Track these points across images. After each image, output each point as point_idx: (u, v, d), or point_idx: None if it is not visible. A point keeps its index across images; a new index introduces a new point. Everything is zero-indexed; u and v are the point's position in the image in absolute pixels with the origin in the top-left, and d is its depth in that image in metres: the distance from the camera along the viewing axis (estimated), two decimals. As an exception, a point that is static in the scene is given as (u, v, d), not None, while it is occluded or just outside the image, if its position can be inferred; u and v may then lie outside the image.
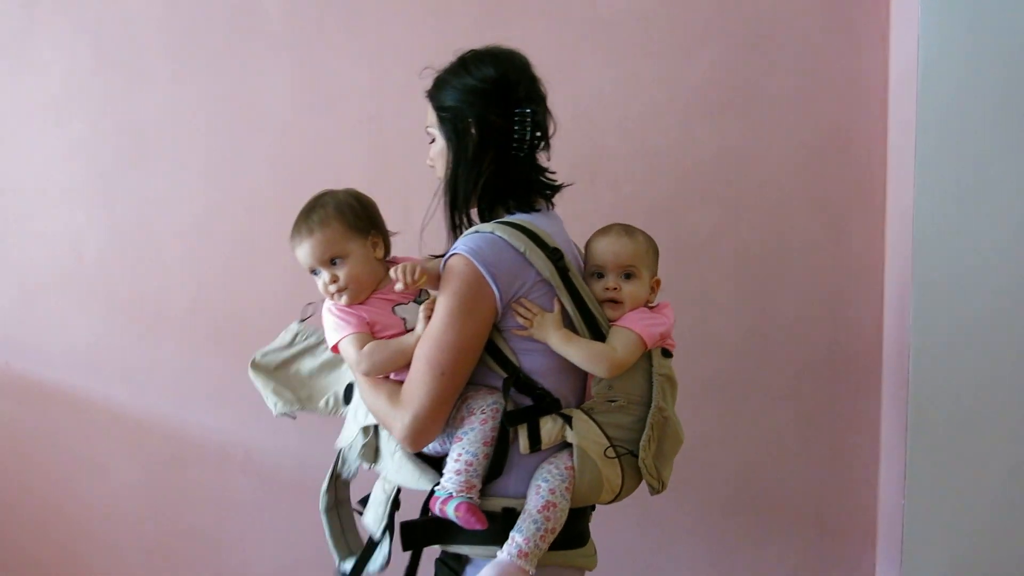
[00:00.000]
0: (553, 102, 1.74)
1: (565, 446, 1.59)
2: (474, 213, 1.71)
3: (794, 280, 2.49)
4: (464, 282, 1.55)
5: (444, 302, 1.56)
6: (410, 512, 1.66)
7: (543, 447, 1.57)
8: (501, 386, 1.59)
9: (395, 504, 1.71)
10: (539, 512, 1.53)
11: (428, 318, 1.58)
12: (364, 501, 1.82)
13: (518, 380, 1.59)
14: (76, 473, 2.75)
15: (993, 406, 2.21)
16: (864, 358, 2.50)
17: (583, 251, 1.74)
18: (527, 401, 1.59)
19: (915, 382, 2.23)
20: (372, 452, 1.71)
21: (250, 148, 2.62)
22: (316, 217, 1.64)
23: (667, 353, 1.67)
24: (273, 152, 2.61)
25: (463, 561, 1.62)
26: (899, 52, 2.33)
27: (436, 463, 1.64)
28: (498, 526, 1.55)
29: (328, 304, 1.67)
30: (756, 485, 2.57)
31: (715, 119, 2.47)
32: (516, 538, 1.52)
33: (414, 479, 1.64)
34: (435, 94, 1.72)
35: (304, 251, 1.64)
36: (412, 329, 1.62)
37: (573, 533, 1.61)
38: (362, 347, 1.60)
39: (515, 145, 1.66)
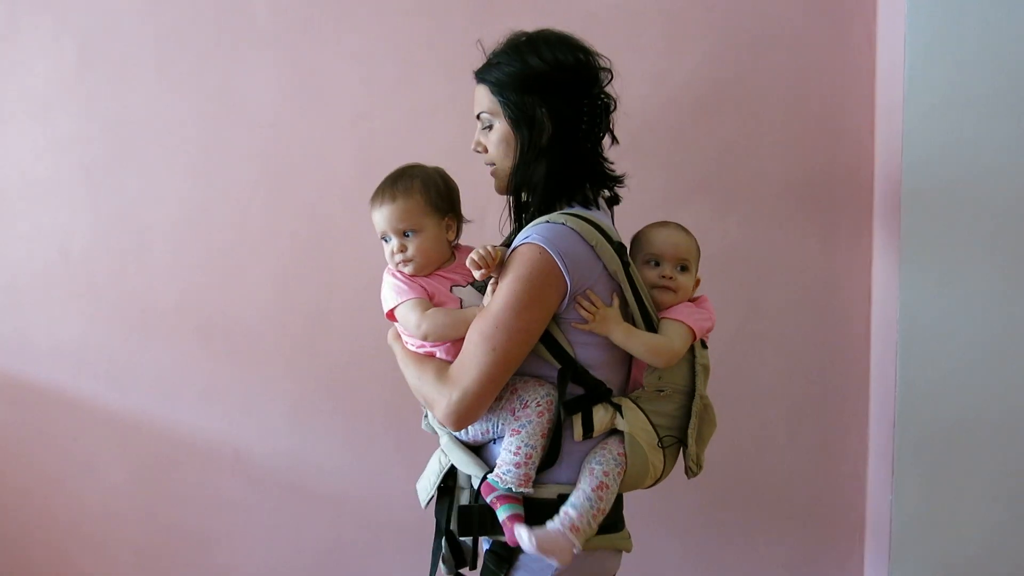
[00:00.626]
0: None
1: (612, 433, 1.63)
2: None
3: (783, 277, 2.50)
4: (537, 270, 1.53)
5: (511, 286, 1.54)
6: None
7: (595, 434, 1.60)
8: (556, 377, 1.59)
9: (446, 478, 1.71)
10: (593, 491, 1.57)
11: None
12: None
13: (574, 372, 1.59)
14: (63, 472, 2.74)
15: (980, 403, 2.23)
16: (852, 354, 2.51)
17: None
18: (578, 390, 1.60)
19: (903, 378, 2.24)
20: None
21: (237, 146, 2.60)
22: (401, 185, 1.65)
23: (703, 344, 1.75)
24: (261, 150, 2.60)
25: (515, 549, 1.60)
26: (886, 49, 2.34)
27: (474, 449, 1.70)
28: (554, 512, 1.57)
29: (390, 270, 1.68)
30: (745, 481, 2.58)
31: (704, 116, 2.48)
32: (570, 512, 1.55)
33: (462, 463, 1.66)
34: (497, 79, 1.66)
35: (381, 215, 1.64)
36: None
37: (616, 518, 1.68)
38: (424, 312, 1.60)
39: (585, 134, 1.65)
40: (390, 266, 1.68)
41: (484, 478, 1.59)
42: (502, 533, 1.58)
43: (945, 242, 2.20)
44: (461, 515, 1.63)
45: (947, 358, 2.23)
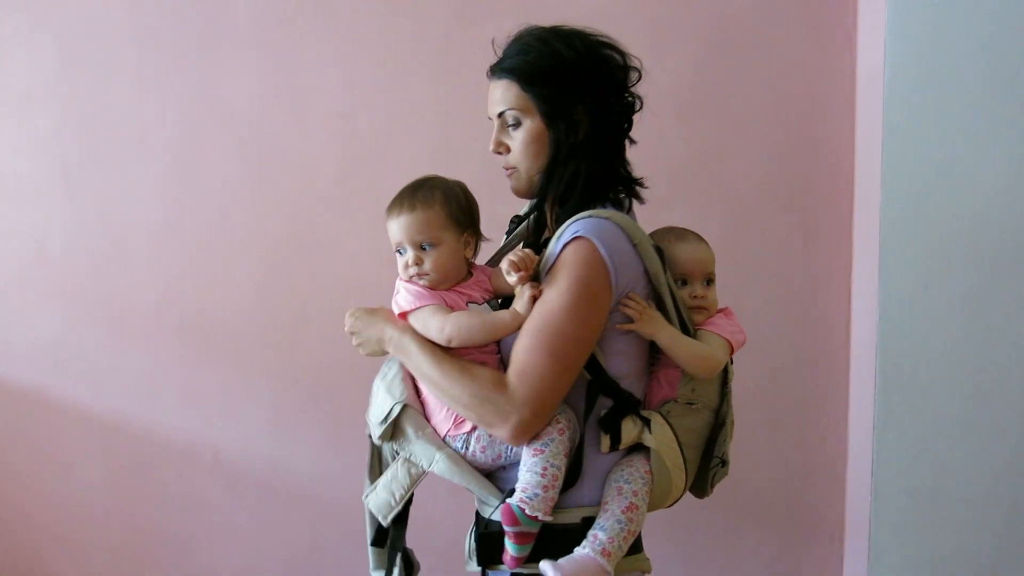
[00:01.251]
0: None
1: (637, 449, 1.51)
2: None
3: (763, 281, 2.51)
4: (591, 269, 1.41)
5: (568, 289, 1.40)
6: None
7: (621, 447, 1.48)
8: (586, 388, 1.46)
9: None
10: (623, 513, 1.44)
11: (534, 299, 1.43)
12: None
13: (606, 383, 1.47)
14: (40, 473, 2.71)
15: (959, 404, 2.24)
16: (832, 357, 2.52)
17: None
18: (608, 402, 1.48)
19: (882, 380, 2.25)
20: (391, 430, 1.52)
21: (218, 146, 2.59)
22: (421, 196, 1.52)
23: (730, 359, 1.65)
24: (242, 150, 2.59)
25: None
26: (866, 55, 2.36)
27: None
28: (579, 537, 1.44)
29: (404, 281, 1.55)
30: (725, 483, 2.56)
31: (684, 119, 2.49)
32: (600, 536, 1.43)
33: (479, 486, 1.50)
34: (527, 71, 1.52)
35: (398, 225, 1.52)
36: None
37: (636, 537, 1.54)
38: (447, 314, 1.48)
39: (615, 132, 1.57)
40: (403, 277, 1.55)
41: (502, 503, 1.44)
42: (530, 560, 1.43)
43: (924, 244, 2.21)
44: (483, 543, 1.49)
45: (926, 360, 2.24)
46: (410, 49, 2.52)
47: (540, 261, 1.47)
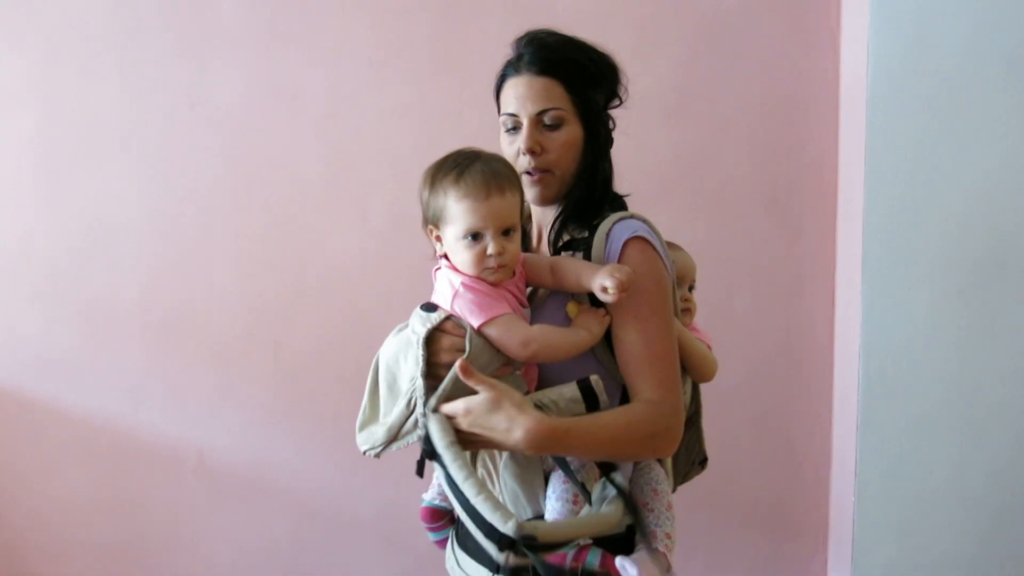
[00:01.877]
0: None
1: None
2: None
3: (747, 281, 2.52)
4: (660, 267, 1.42)
5: (654, 298, 1.39)
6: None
7: None
8: (620, 391, 1.43)
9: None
10: (667, 510, 1.47)
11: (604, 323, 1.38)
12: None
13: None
14: (22, 474, 2.69)
15: (941, 406, 2.25)
16: (816, 358, 2.53)
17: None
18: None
19: (865, 381, 2.26)
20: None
21: (202, 145, 2.58)
22: (505, 176, 1.36)
23: None
24: (226, 150, 2.57)
25: None
26: (849, 57, 2.37)
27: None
28: (626, 547, 1.40)
29: (465, 279, 1.37)
30: (709, 485, 2.57)
31: (670, 121, 2.49)
32: (658, 532, 1.43)
33: (570, 530, 1.34)
34: (571, 73, 1.49)
35: (488, 209, 1.33)
36: None
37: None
38: (528, 327, 1.36)
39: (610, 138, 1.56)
40: (470, 271, 1.36)
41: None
42: None
43: (907, 245, 2.22)
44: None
45: (909, 362, 2.25)
46: (395, 49, 2.52)
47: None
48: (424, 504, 1.63)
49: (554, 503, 1.37)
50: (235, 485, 2.66)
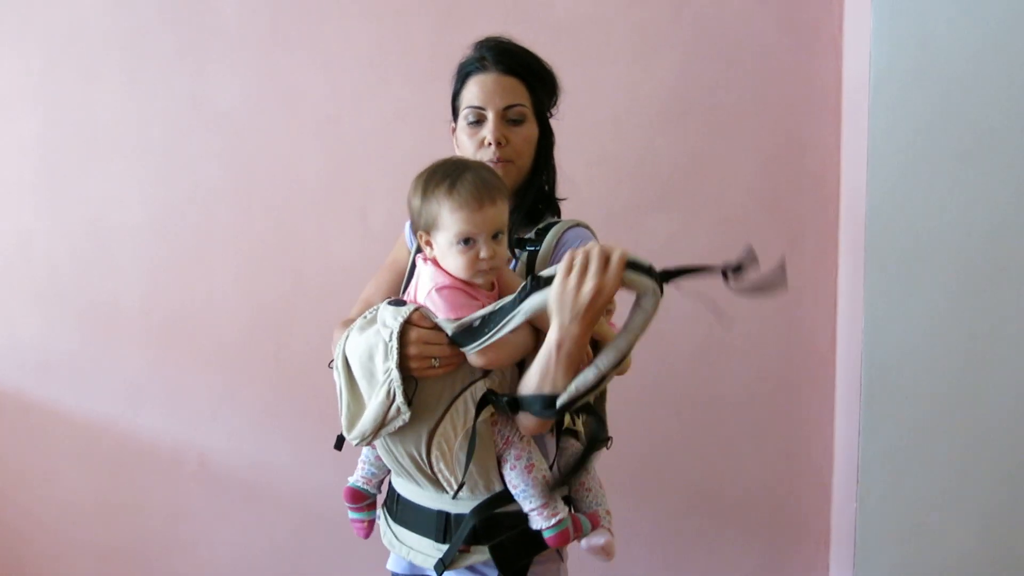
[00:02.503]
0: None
1: (567, 434, 1.65)
2: None
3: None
4: None
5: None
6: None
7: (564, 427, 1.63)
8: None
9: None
10: (601, 487, 1.64)
11: None
12: None
13: None
14: (22, 477, 2.69)
15: (944, 411, 2.24)
16: (818, 363, 2.52)
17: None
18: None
19: (868, 387, 2.25)
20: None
21: (203, 148, 2.58)
22: (496, 186, 1.44)
23: None
24: (227, 153, 2.58)
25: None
26: (852, 60, 2.37)
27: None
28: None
29: (449, 280, 1.45)
30: (711, 489, 2.58)
31: (673, 126, 2.49)
32: (600, 512, 1.60)
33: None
34: (532, 75, 1.63)
35: (482, 218, 1.41)
36: None
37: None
38: None
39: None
40: (462, 274, 1.45)
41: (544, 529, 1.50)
42: (537, 552, 1.53)
43: (909, 250, 2.22)
44: (496, 551, 1.51)
45: (912, 367, 2.24)
46: (396, 52, 2.52)
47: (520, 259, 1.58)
48: (348, 485, 1.73)
49: (515, 478, 1.48)
50: (235, 488, 2.65)
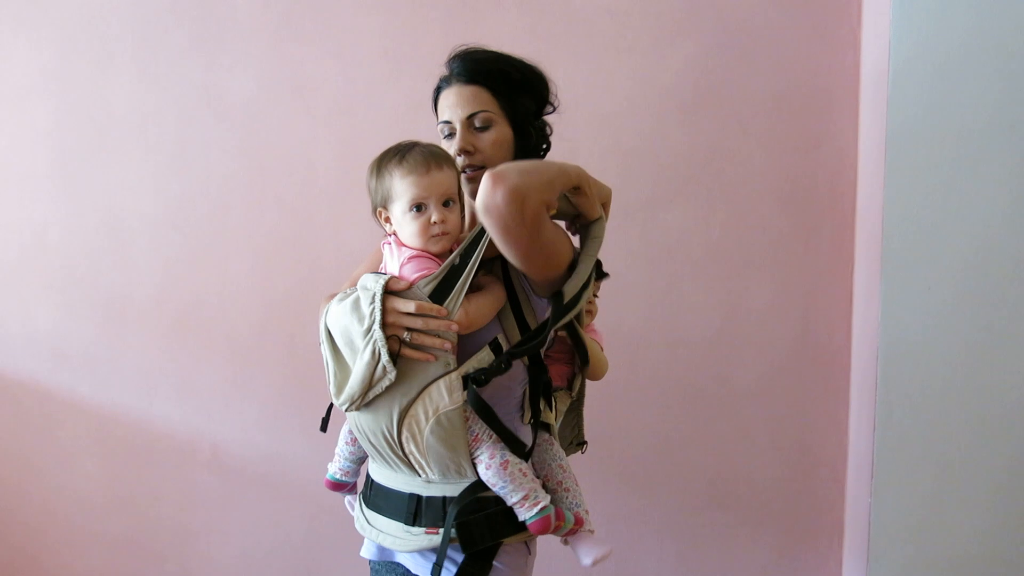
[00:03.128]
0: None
1: (542, 429, 1.67)
2: None
3: (764, 279, 2.50)
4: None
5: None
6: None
7: (538, 420, 1.64)
8: (527, 371, 1.61)
9: None
10: (576, 485, 1.62)
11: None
12: None
13: (541, 367, 1.63)
14: (37, 465, 2.71)
15: (960, 406, 2.23)
16: (833, 357, 2.51)
17: None
18: (521, 380, 1.62)
19: (883, 381, 2.24)
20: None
21: (217, 139, 2.58)
22: (442, 155, 1.55)
23: None
24: (240, 143, 2.58)
25: (494, 548, 1.58)
26: (870, 53, 2.34)
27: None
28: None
29: (413, 251, 1.54)
30: (725, 483, 2.58)
31: (688, 117, 2.47)
32: (581, 512, 1.60)
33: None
34: (498, 80, 1.64)
35: (431, 180, 1.51)
36: None
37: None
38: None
39: (543, 149, 1.74)
40: (415, 242, 1.54)
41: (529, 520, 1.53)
42: (507, 535, 1.55)
43: (927, 245, 2.20)
44: (462, 530, 1.53)
45: (927, 362, 2.23)
46: (410, 43, 2.51)
47: None
48: (328, 477, 1.87)
49: (492, 477, 1.51)
50: (248, 479, 2.66)
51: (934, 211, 2.19)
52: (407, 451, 1.53)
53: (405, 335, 1.47)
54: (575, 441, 1.89)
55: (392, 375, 1.48)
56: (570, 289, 1.53)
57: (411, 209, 1.52)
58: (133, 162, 2.61)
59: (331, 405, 1.71)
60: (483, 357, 1.52)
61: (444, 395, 1.49)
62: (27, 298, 2.66)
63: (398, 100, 2.52)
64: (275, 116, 2.56)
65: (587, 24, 2.46)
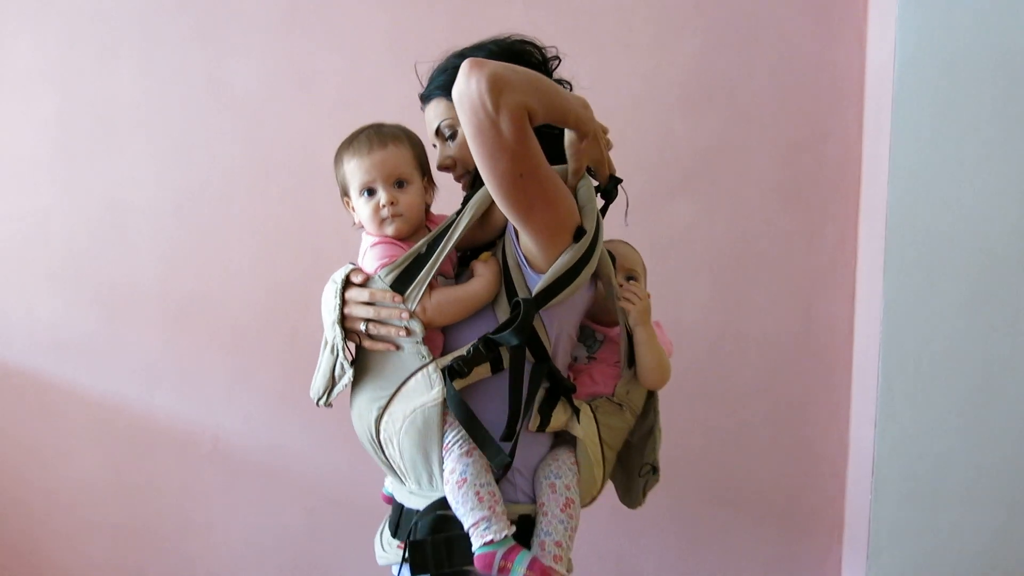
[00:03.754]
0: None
1: (561, 442, 1.53)
2: None
3: (767, 275, 2.50)
4: None
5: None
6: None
7: (548, 430, 1.48)
8: (530, 372, 1.45)
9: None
10: (562, 511, 1.43)
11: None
12: None
13: (550, 368, 1.47)
14: (39, 456, 2.71)
15: (960, 404, 2.23)
16: (835, 354, 2.51)
17: None
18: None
19: (884, 379, 2.24)
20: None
21: (221, 130, 2.58)
22: (390, 133, 1.50)
23: None
24: (245, 135, 2.57)
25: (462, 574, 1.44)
26: (876, 49, 2.34)
27: None
28: (518, 535, 1.41)
29: (375, 239, 1.49)
30: (726, 479, 2.58)
31: (693, 114, 2.47)
32: (547, 542, 1.41)
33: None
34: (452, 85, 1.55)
35: (371, 163, 1.46)
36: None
37: None
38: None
39: None
40: (370, 227, 1.49)
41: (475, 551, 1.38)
42: (463, 563, 1.40)
43: (930, 241, 2.20)
44: (413, 549, 1.42)
45: (930, 360, 2.23)
46: (414, 34, 2.50)
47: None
48: (384, 492, 1.69)
49: (448, 491, 1.40)
50: (250, 470, 2.66)
51: (938, 209, 2.19)
52: (388, 455, 1.46)
53: (361, 326, 1.42)
54: (641, 468, 1.67)
55: (350, 374, 1.45)
56: (563, 262, 1.40)
57: (362, 194, 1.48)
58: (136, 153, 2.60)
59: None
60: (470, 348, 1.42)
61: (421, 389, 1.40)
62: (29, 288, 2.66)
63: (403, 93, 2.50)
64: (279, 108, 2.56)
65: (592, 19, 2.45)
